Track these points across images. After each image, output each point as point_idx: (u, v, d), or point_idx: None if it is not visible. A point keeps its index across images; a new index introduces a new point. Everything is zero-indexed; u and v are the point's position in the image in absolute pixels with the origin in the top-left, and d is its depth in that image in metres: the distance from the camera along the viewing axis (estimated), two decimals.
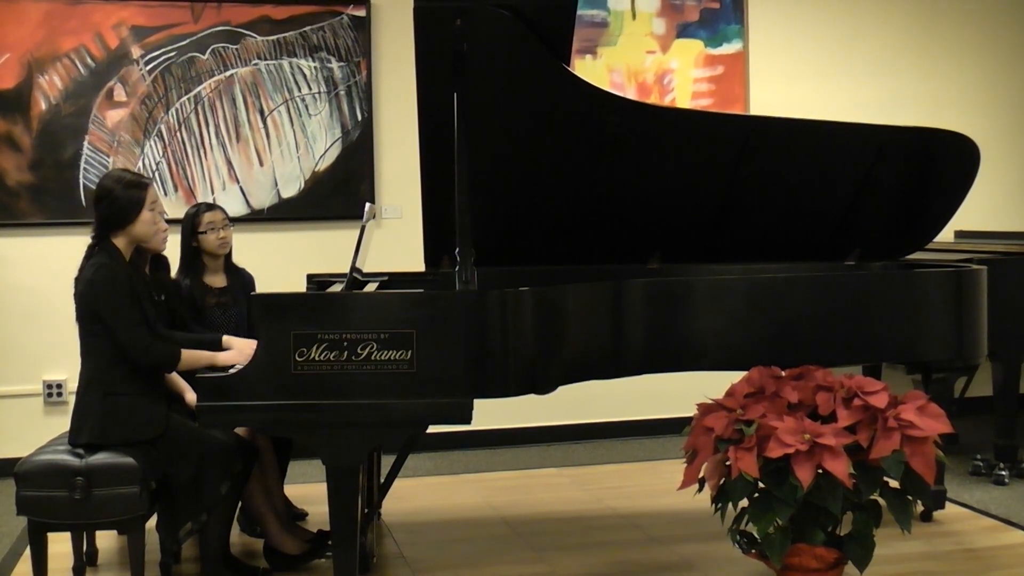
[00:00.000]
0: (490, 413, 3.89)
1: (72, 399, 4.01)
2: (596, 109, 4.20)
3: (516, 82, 4.04)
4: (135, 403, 3.87)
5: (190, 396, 4.13)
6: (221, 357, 3.92)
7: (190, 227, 4.67)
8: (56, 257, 5.68)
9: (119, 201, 3.89)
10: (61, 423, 4.21)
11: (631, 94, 6.52)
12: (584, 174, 4.41)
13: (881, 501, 3.63)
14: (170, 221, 4.44)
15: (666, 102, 6.60)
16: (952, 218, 4.79)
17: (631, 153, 4.39)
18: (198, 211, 4.69)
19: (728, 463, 3.56)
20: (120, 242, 3.91)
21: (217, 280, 4.72)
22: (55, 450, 3.86)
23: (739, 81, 6.71)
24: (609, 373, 3.92)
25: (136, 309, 3.84)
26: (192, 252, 4.68)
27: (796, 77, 6.77)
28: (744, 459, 3.48)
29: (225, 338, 4.15)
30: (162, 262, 4.41)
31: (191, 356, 3.92)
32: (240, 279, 4.80)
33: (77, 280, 3.90)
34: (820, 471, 3.43)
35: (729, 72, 6.71)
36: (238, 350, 3.99)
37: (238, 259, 4.83)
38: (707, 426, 3.65)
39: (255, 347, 3.48)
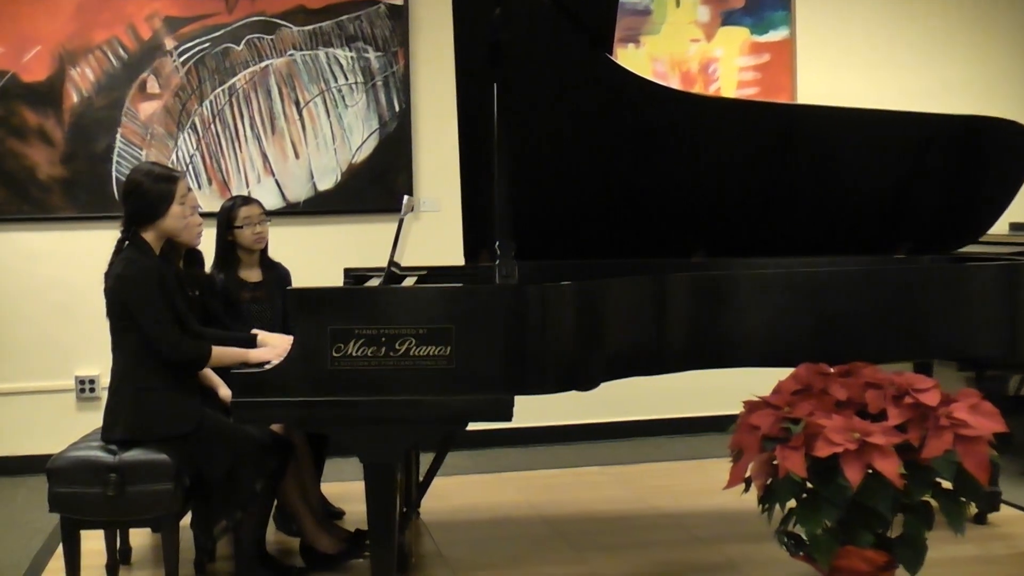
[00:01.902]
0: (530, 410, 3.89)
1: (105, 395, 4.04)
2: (639, 99, 4.19)
3: (557, 72, 4.04)
4: (168, 398, 3.89)
5: (224, 392, 4.15)
6: (253, 354, 3.94)
7: (225, 221, 4.69)
8: (88, 251, 5.72)
9: (148, 195, 3.91)
10: (94, 419, 4.25)
11: (675, 84, 6.49)
12: (626, 166, 4.40)
13: (933, 503, 3.60)
14: (204, 215, 4.46)
15: (711, 92, 6.57)
16: (1007, 209, 4.74)
17: (674, 144, 4.39)
18: (234, 205, 4.71)
19: (775, 462, 3.54)
20: (150, 236, 3.94)
21: (252, 275, 4.74)
22: (88, 446, 3.90)
23: (785, 70, 6.67)
24: (652, 369, 3.92)
25: (166, 305, 3.85)
26: (227, 246, 4.70)
27: (844, 65, 6.72)
28: (791, 458, 3.46)
29: (259, 335, 4.16)
30: (196, 257, 4.43)
31: (222, 353, 3.94)
32: (276, 274, 4.81)
33: (107, 275, 3.93)
34: (870, 471, 3.41)
35: (775, 60, 6.68)
36: (271, 346, 4.00)
37: (274, 253, 4.85)
38: (753, 424, 3.63)
39: (289, 343, 3.50)
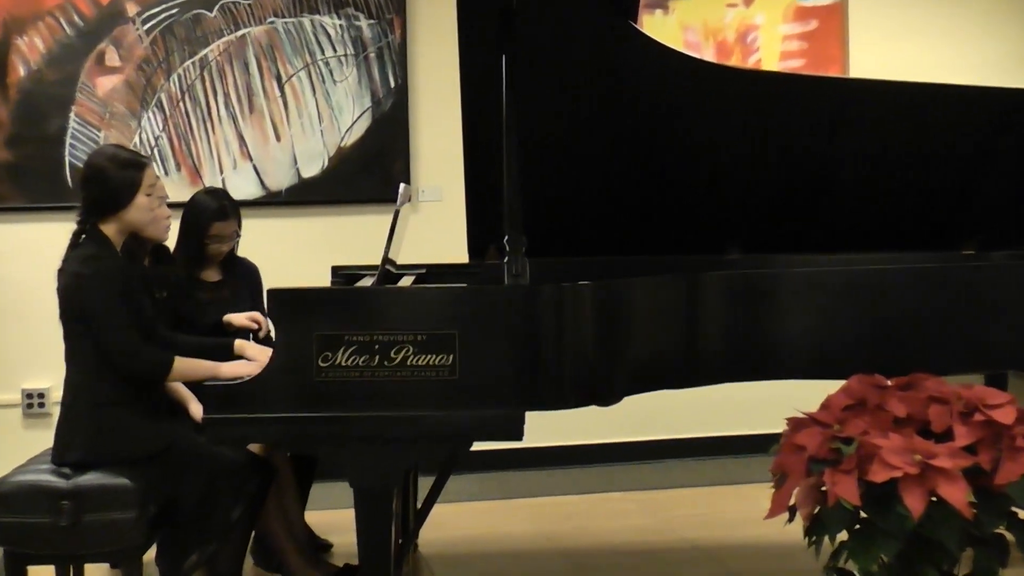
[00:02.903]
0: (544, 428, 3.90)
1: (56, 410, 4.05)
2: (667, 74, 4.20)
3: (574, 43, 4.04)
4: (130, 415, 3.91)
5: (195, 408, 4.15)
6: (225, 369, 3.93)
7: (196, 229, 4.68)
8: (38, 247, 5.74)
9: (111, 182, 3.93)
10: (44, 438, 4.26)
11: (709, 56, 6.50)
12: (653, 150, 4.41)
13: (1008, 535, 3.60)
14: (172, 206, 4.46)
15: (749, 64, 6.57)
16: None
17: (707, 125, 4.39)
18: (209, 215, 4.68)
19: (823, 488, 3.53)
20: (110, 230, 3.96)
21: (210, 274, 4.77)
22: (37, 470, 3.91)
23: (836, 39, 6.67)
24: (683, 381, 3.92)
25: (127, 308, 3.86)
26: (194, 247, 4.71)
27: (902, 34, 6.72)
28: (842, 483, 3.45)
29: (238, 343, 4.17)
30: (164, 254, 4.45)
31: (187, 366, 3.94)
32: (239, 270, 4.84)
33: (60, 272, 3.94)
34: (933, 499, 3.40)
35: (824, 28, 6.68)
36: (246, 361, 4.00)
37: (252, 249, 4.89)
38: (798, 444, 3.62)
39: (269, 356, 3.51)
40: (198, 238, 4.66)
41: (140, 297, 3.96)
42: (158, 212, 4.14)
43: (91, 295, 3.83)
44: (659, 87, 4.24)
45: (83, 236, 3.95)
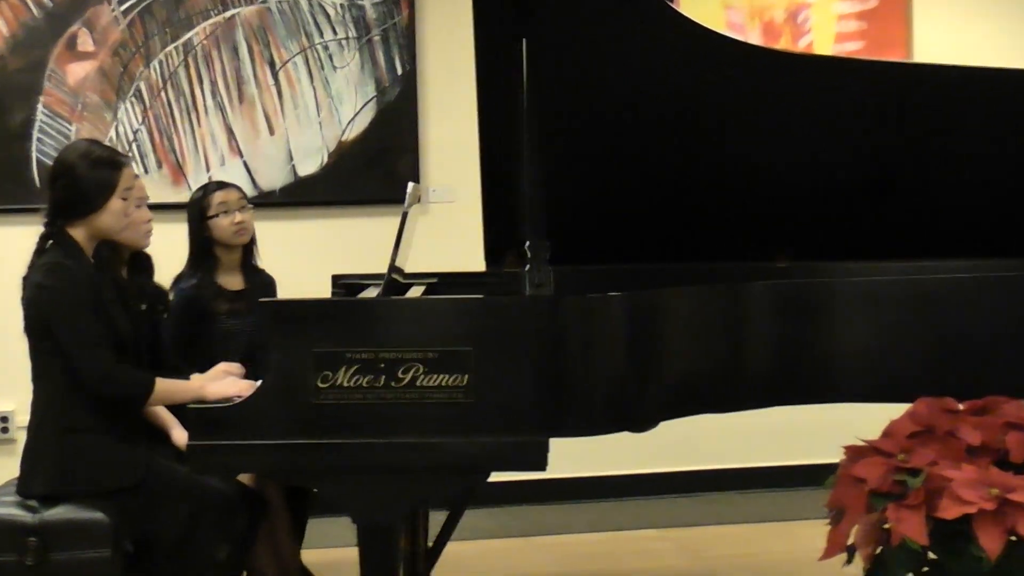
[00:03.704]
0: (570, 456, 3.89)
1: (21, 436, 4.06)
2: (708, 59, 4.20)
3: (603, 24, 4.04)
4: (104, 442, 3.90)
5: (178, 433, 4.14)
6: (211, 389, 3.91)
7: (198, 212, 4.74)
8: (2, 253, 5.74)
9: (82, 183, 3.92)
10: (8, 466, 4.27)
11: (754, 38, 6.49)
12: (691, 144, 4.41)
13: None
14: (154, 208, 4.47)
15: (800, 47, 6.56)
16: None
17: (753, 116, 4.39)
18: (206, 191, 4.79)
19: (886, 526, 3.52)
20: (79, 234, 3.95)
21: (233, 281, 4.79)
22: (1, 502, 3.90)
23: (899, 18, 6.66)
24: (725, 404, 3.92)
25: (101, 322, 3.86)
26: (204, 244, 4.74)
27: (974, 13, 6.71)
28: (908, 520, 3.44)
29: (193, 378, 4.12)
30: (143, 262, 4.44)
31: (170, 387, 3.94)
32: (259, 281, 4.86)
33: (25, 281, 3.94)
34: (1012, 538, 3.39)
35: (885, 6, 6.66)
36: (230, 381, 3.98)
37: None
38: (858, 476, 3.61)
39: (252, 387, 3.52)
40: (203, 219, 4.71)
41: (114, 310, 3.95)
42: (135, 216, 4.14)
43: (57, 308, 3.83)
44: (698, 74, 4.24)
45: (49, 241, 3.94)
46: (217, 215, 4.72)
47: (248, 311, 4.74)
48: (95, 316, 3.86)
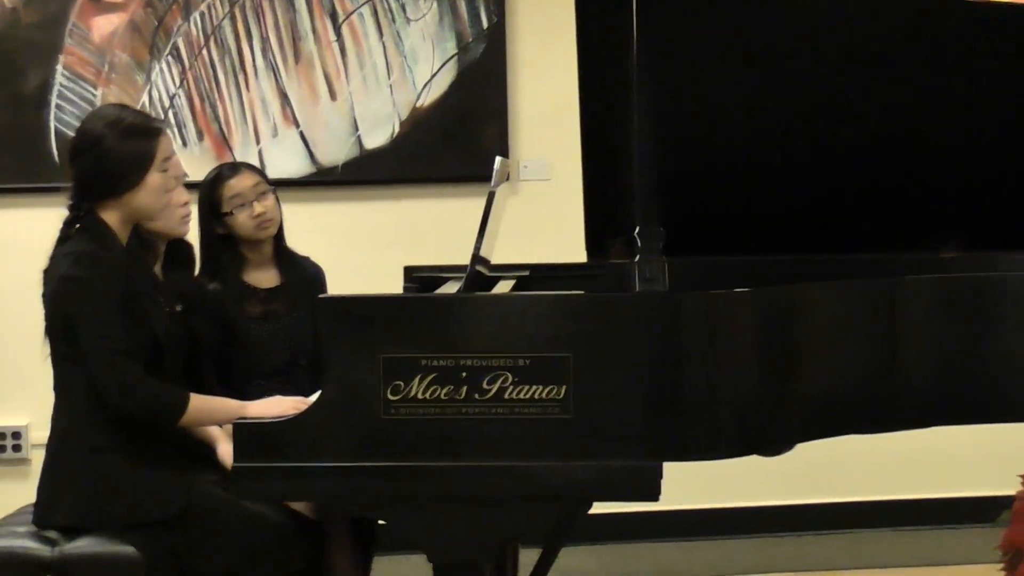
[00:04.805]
0: (687, 485, 3.86)
1: (38, 456, 4.06)
2: (859, 9, 4.18)
3: None
4: (138, 464, 3.90)
5: (224, 448, 4.14)
6: (255, 408, 3.89)
7: (208, 207, 4.69)
8: (14, 241, 5.78)
9: (113, 155, 3.91)
10: (21, 491, 4.30)
11: None
12: (835, 108, 4.38)
13: None
14: (191, 187, 4.46)
15: None
16: None
17: (921, 74, 4.37)
18: (216, 180, 4.71)
19: None
20: (112, 217, 3.94)
21: (264, 277, 4.77)
22: (13, 533, 3.91)
23: None
24: (876, 424, 3.89)
25: (131, 326, 3.84)
26: (215, 243, 4.70)
27: None
28: None
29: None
30: (182, 253, 4.44)
31: (205, 406, 3.92)
32: (299, 274, 4.82)
33: (47, 275, 3.94)
34: None
35: None
36: (276, 400, 3.96)
37: (293, 243, 4.85)
38: None
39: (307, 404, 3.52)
40: (216, 215, 4.66)
41: (152, 312, 3.93)
42: (174, 196, 4.12)
43: (82, 304, 3.81)
44: (851, 22, 4.23)
45: (76, 226, 3.93)
46: (231, 212, 4.67)
47: (288, 311, 4.73)
48: (126, 317, 3.83)
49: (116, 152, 3.91)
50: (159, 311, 4.03)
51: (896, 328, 3.86)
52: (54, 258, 3.93)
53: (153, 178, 3.94)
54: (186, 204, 4.29)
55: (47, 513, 3.91)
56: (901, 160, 4.45)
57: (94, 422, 3.87)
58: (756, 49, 4.23)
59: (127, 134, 3.94)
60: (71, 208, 3.96)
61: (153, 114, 5.86)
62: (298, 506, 4.09)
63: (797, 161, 4.44)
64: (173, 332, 4.10)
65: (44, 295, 3.93)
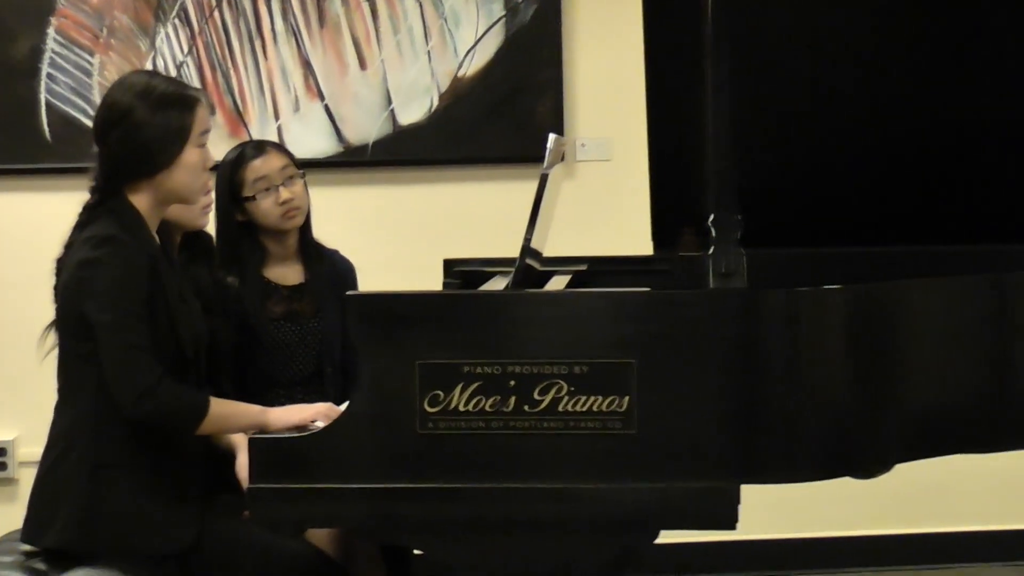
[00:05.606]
0: (769, 510, 3.82)
1: (27, 472, 4.03)
2: None
3: None
4: (145, 488, 3.87)
5: (243, 459, 4.06)
6: (275, 416, 3.86)
7: (228, 190, 4.67)
8: (4, 226, 5.75)
9: (145, 131, 3.88)
10: (8, 514, 4.30)
11: None
12: (939, 85, 4.41)
13: None
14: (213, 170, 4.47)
15: None
16: None
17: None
18: (238, 159, 4.70)
19: None
20: (142, 201, 3.91)
21: (288, 273, 4.76)
22: None
23: None
24: (988, 442, 3.87)
25: (154, 321, 3.81)
26: (233, 232, 4.69)
27: None
28: None
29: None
30: (202, 245, 4.43)
31: (224, 411, 3.88)
32: (327, 270, 4.82)
33: (61, 263, 3.91)
34: None
35: None
36: (300, 407, 3.95)
37: (322, 233, 4.83)
38: None
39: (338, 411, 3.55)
40: (235, 201, 4.65)
41: (179, 310, 3.90)
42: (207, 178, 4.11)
43: (100, 291, 3.76)
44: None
45: (98, 208, 3.90)
46: (254, 197, 4.65)
47: (314, 312, 4.72)
48: (150, 311, 3.80)
49: (149, 127, 3.88)
50: (186, 311, 4.00)
51: (1007, 331, 3.82)
52: (69, 246, 3.90)
53: (190, 154, 3.91)
54: (209, 192, 4.26)
55: (37, 535, 3.89)
56: (999, 143, 4.45)
57: (101, 433, 3.84)
58: (837, 31, 4.26)
59: (160, 105, 3.90)
60: (95, 191, 3.93)
61: (187, 80, 5.82)
62: (320, 543, 4.09)
63: (890, 144, 4.46)
64: (199, 333, 4.08)
65: (56, 287, 3.91)
